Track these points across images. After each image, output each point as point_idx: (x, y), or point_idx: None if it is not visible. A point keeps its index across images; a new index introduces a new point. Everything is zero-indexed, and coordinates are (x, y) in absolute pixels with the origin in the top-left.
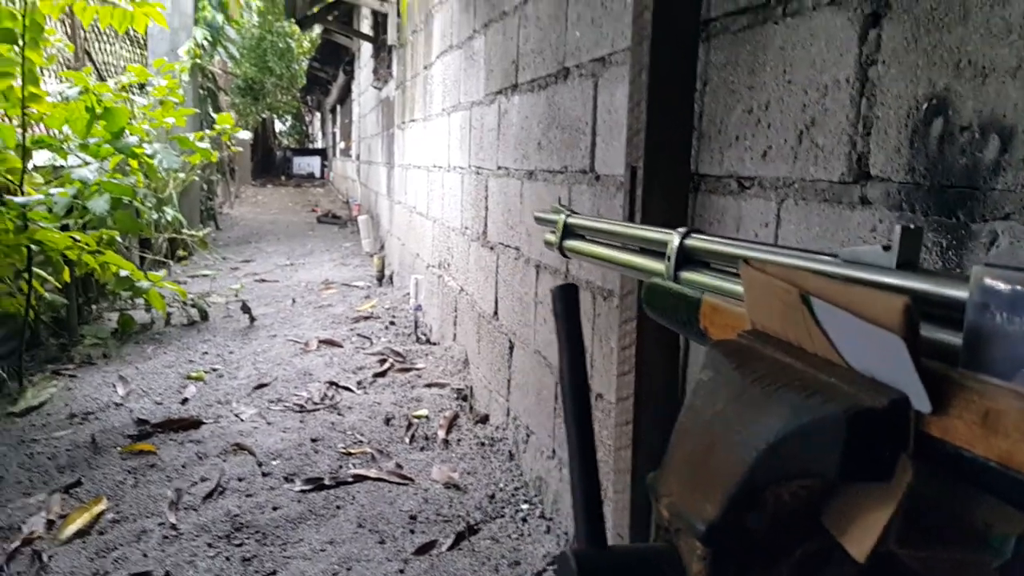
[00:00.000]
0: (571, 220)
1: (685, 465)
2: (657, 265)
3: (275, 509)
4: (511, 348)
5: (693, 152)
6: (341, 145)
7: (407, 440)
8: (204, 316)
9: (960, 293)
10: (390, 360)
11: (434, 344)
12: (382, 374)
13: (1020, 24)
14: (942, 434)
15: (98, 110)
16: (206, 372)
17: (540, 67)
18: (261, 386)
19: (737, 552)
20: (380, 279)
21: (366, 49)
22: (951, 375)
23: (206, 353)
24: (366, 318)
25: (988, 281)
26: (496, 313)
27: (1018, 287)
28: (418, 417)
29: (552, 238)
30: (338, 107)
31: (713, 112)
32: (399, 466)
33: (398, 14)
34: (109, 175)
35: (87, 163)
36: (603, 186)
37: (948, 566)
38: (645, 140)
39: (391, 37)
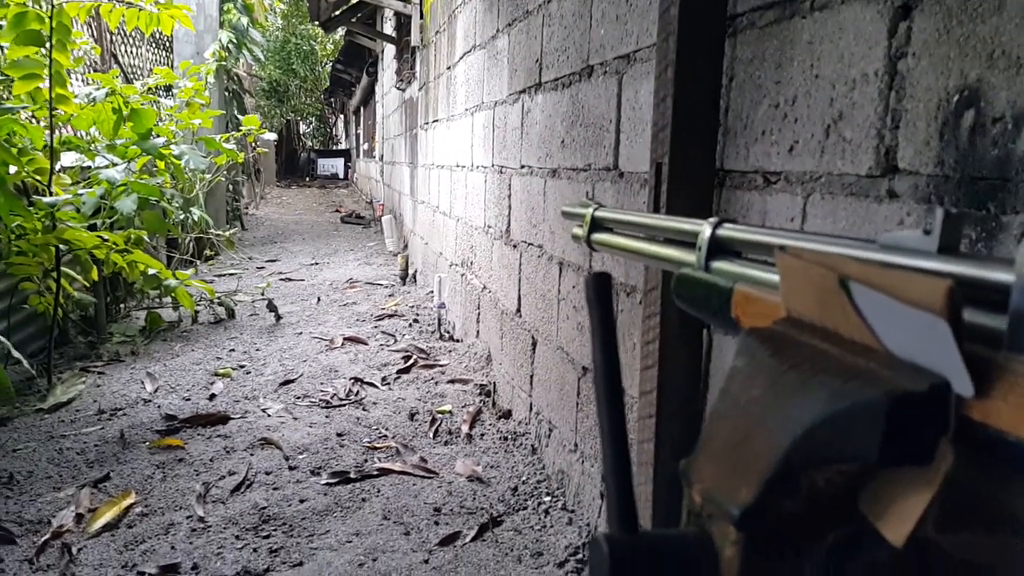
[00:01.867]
0: (599, 213)
1: (720, 451)
2: (688, 256)
3: (302, 502)
4: (534, 344)
5: (719, 147)
6: (364, 146)
7: (431, 435)
8: (231, 314)
9: (1006, 277)
10: (414, 357)
11: (457, 341)
12: (406, 370)
13: None
14: (984, 417)
15: (125, 112)
16: (233, 369)
17: (564, 65)
18: (287, 382)
19: (771, 536)
20: (404, 278)
21: (389, 51)
22: (995, 358)
23: (233, 350)
24: (390, 316)
25: None
26: (519, 310)
27: None
28: (442, 412)
29: (579, 232)
30: (361, 108)
31: (739, 107)
32: (423, 460)
33: (421, 15)
34: (136, 176)
35: (114, 164)
36: (627, 183)
37: (987, 551)
38: (671, 136)
39: (414, 38)
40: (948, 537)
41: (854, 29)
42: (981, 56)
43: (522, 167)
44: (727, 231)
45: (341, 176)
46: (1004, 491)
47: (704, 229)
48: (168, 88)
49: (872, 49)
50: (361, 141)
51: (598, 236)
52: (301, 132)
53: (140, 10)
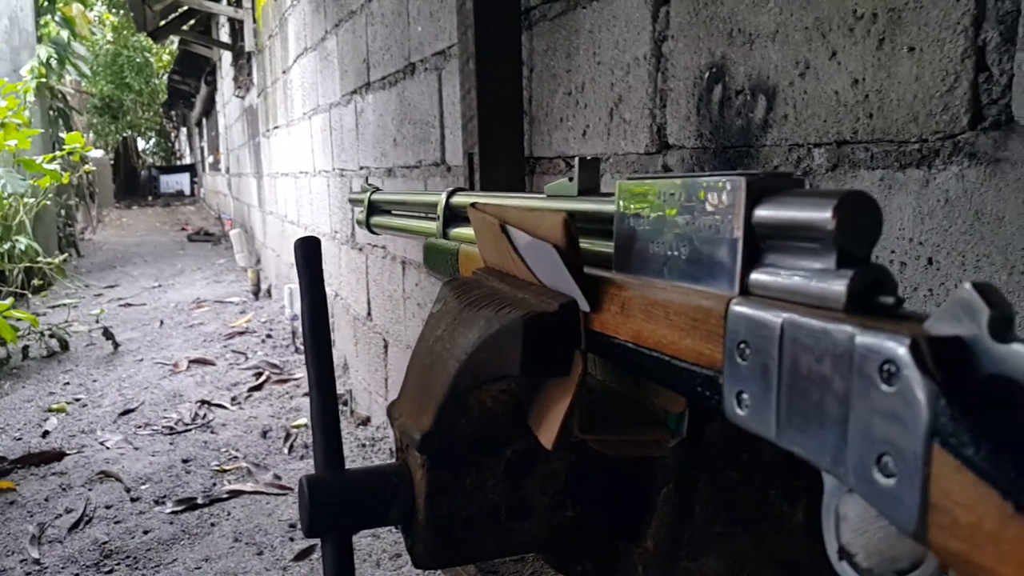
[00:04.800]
0: (375, 196)
1: (412, 387)
2: (434, 226)
3: (146, 533)
4: (386, 347)
5: (527, 136)
6: (210, 159)
7: (286, 451)
8: (64, 346)
9: (611, 208)
10: (266, 373)
11: None
12: (258, 388)
13: None
14: (601, 328)
15: None
16: (68, 403)
17: (389, 64)
18: (127, 412)
19: (450, 456)
20: (256, 293)
21: (226, 58)
22: (604, 277)
23: (68, 384)
24: (241, 333)
25: (624, 191)
26: (370, 314)
27: (645, 193)
28: (297, 427)
29: (361, 216)
30: (204, 120)
31: (540, 97)
32: (277, 477)
33: (254, 20)
34: None
35: None
36: (454, 176)
37: (631, 447)
38: (478, 126)
39: (248, 44)
40: (594, 437)
41: (625, 16)
42: (723, 35)
43: (361, 168)
44: (458, 198)
45: (187, 193)
46: (642, 393)
47: (441, 199)
48: None
49: (640, 34)
50: (206, 154)
51: (376, 219)
52: (140, 149)
53: None
